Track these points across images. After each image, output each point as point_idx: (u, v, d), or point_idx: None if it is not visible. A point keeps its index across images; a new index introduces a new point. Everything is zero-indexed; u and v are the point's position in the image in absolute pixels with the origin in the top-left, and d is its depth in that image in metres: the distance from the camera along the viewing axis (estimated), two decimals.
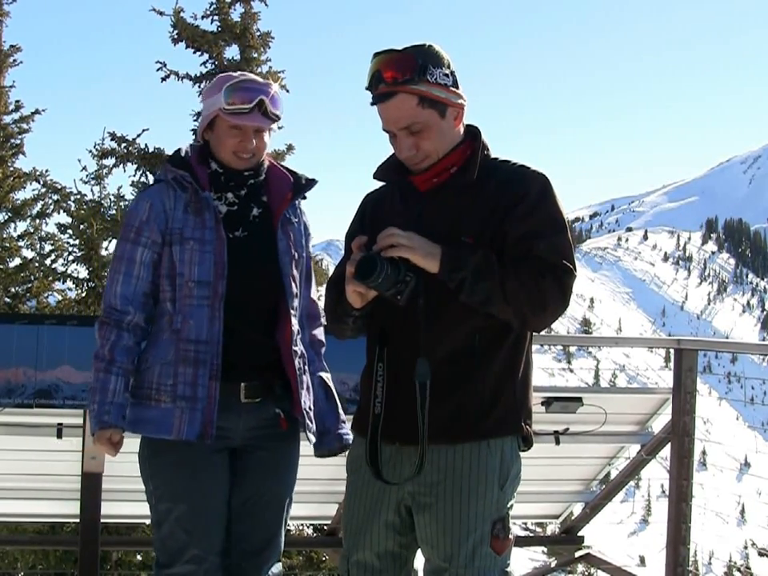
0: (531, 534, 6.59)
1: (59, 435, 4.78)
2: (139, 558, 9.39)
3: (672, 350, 5.67)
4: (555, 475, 5.96)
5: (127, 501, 5.18)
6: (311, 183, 3.30)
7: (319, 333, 3.38)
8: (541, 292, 2.50)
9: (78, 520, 4.90)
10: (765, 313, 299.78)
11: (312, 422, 3.18)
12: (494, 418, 2.62)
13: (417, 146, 2.60)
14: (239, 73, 3.25)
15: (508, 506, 2.67)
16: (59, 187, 13.65)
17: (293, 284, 3.13)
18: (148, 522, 5.95)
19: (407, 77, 2.53)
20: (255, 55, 12.63)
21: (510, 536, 2.67)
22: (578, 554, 6.17)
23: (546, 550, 6.25)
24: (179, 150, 3.24)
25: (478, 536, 2.58)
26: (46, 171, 14.03)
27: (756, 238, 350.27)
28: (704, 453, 71.54)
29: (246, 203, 3.15)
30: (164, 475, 3.10)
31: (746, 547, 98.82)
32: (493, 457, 2.62)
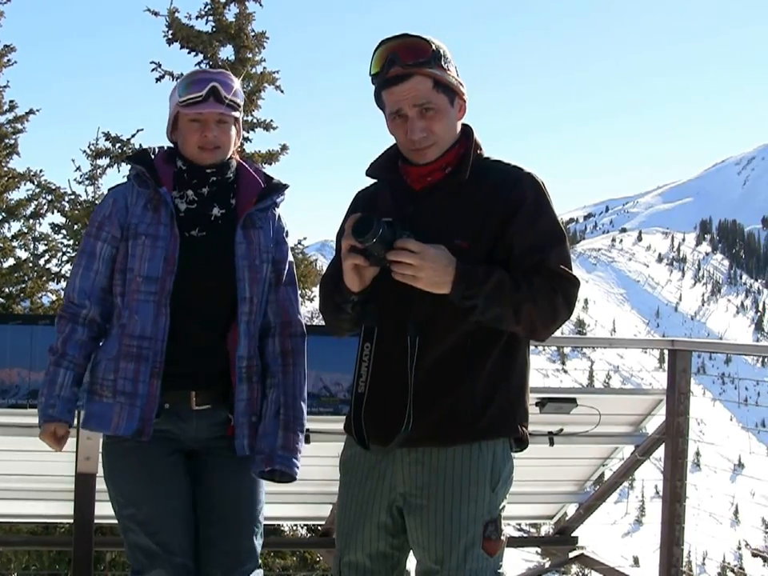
0: (525, 535, 6.58)
1: None
2: None
3: (666, 351, 5.69)
4: (549, 476, 5.97)
5: None
6: (281, 188, 3.24)
7: (293, 342, 3.19)
8: (553, 309, 2.52)
9: (71, 521, 4.89)
10: (758, 314, 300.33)
11: (243, 435, 3.07)
12: (487, 419, 2.61)
13: (429, 128, 2.61)
14: (194, 69, 3.22)
15: (500, 507, 2.66)
16: (53, 187, 13.64)
17: (247, 288, 3.05)
18: None
19: (423, 59, 2.55)
20: (250, 55, 12.64)
21: (503, 537, 2.66)
22: (571, 554, 6.17)
23: (540, 550, 6.24)
24: (146, 148, 3.24)
25: (469, 538, 2.58)
26: (40, 171, 14.02)
27: (750, 239, 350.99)
28: (698, 454, 71.70)
29: (206, 202, 3.10)
30: (122, 479, 3.09)
31: (739, 548, 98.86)
32: (485, 459, 2.61)
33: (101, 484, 4.34)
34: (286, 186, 3.24)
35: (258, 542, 3.17)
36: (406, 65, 2.54)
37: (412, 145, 2.63)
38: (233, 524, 3.09)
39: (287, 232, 3.28)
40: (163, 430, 3.00)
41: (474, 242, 2.58)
